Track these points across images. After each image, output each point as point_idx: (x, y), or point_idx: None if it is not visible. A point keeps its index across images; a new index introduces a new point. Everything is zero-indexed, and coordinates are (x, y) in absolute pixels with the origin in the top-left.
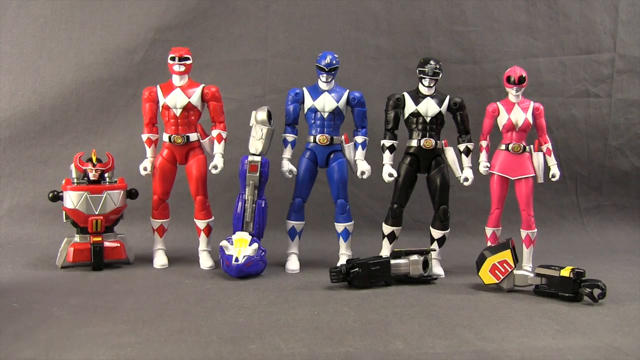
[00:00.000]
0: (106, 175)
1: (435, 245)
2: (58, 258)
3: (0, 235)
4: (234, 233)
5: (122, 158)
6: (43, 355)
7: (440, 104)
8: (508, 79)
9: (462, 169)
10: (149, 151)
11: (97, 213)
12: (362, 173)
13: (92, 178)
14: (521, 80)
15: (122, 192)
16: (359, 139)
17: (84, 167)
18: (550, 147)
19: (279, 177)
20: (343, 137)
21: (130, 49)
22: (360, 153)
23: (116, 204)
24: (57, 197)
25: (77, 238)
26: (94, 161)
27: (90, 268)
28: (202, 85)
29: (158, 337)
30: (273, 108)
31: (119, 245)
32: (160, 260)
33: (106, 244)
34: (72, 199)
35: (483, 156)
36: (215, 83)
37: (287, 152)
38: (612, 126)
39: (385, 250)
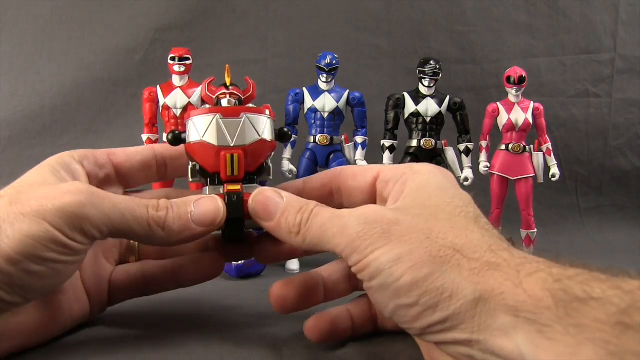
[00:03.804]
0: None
1: None
2: None
3: None
4: None
5: None
6: (43, 355)
7: (440, 104)
8: (508, 79)
9: (462, 169)
10: None
11: None
12: None
13: None
14: (521, 80)
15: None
16: (359, 139)
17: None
18: (550, 147)
19: (279, 177)
20: (343, 137)
21: (130, 49)
22: (360, 153)
23: None
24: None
25: None
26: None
27: None
28: None
29: (158, 337)
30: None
31: None
32: None
33: None
34: None
35: (483, 156)
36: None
37: (287, 152)
38: (612, 126)
39: None
